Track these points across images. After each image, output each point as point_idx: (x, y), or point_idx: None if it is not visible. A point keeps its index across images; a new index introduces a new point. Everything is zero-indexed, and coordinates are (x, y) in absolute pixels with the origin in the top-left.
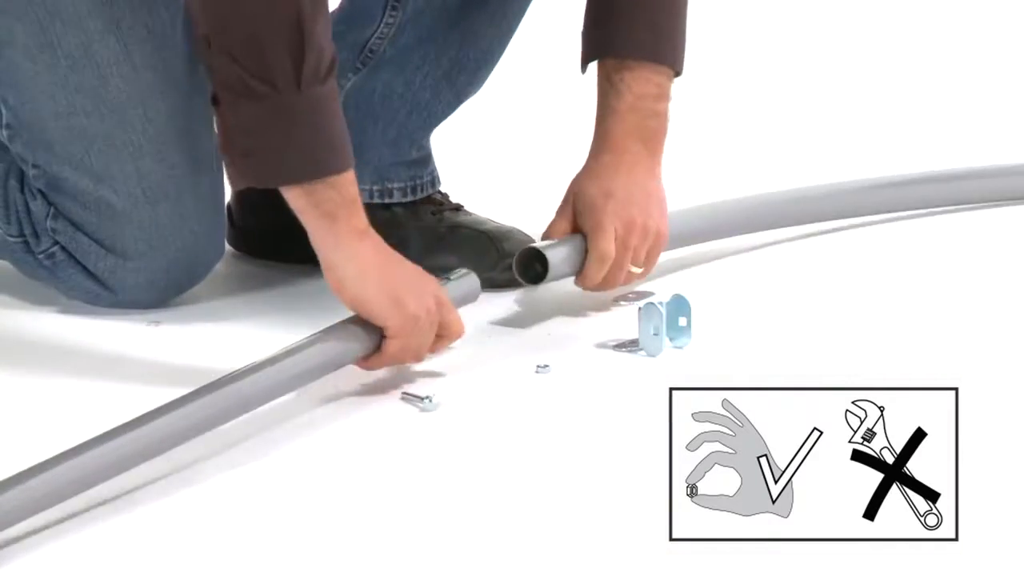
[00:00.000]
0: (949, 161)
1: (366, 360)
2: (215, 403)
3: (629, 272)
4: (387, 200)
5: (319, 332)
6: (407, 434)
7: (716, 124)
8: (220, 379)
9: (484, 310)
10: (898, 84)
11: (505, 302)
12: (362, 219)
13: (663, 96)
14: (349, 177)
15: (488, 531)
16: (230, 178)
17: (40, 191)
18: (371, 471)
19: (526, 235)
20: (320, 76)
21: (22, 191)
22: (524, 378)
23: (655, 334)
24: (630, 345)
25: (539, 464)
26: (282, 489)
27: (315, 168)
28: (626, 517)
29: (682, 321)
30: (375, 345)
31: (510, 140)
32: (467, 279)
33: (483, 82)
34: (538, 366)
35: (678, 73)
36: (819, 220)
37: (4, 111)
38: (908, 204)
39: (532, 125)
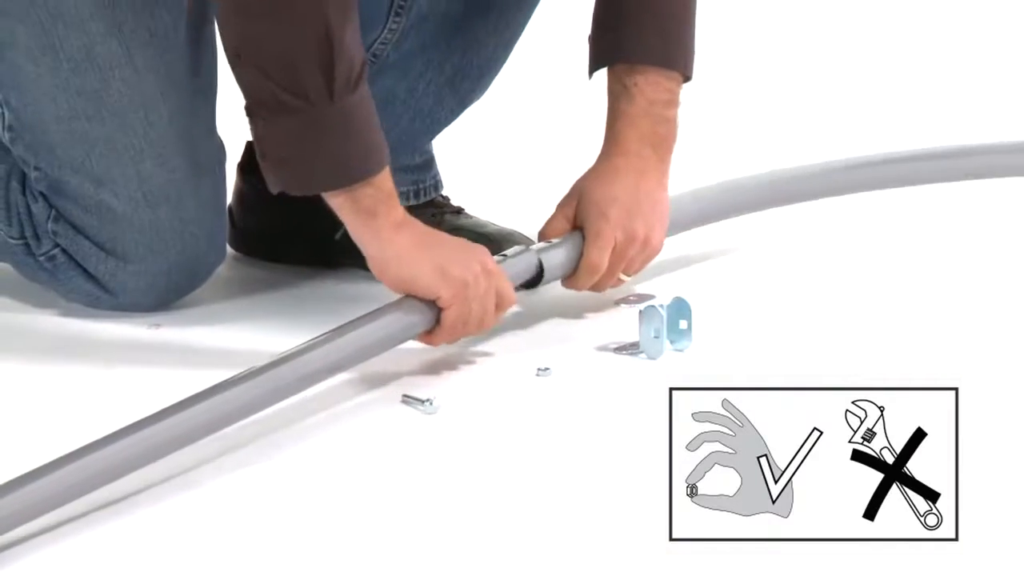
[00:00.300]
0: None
1: (428, 335)
2: (272, 381)
3: (618, 278)
4: None
5: (377, 308)
6: (408, 437)
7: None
8: (278, 358)
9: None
10: (884, 76)
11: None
12: (399, 211)
13: (673, 102)
14: (385, 173)
15: (489, 532)
16: (267, 183)
17: (41, 193)
18: (372, 474)
19: (527, 237)
20: (351, 85)
21: (24, 193)
22: (525, 381)
23: (656, 337)
24: (630, 348)
25: (539, 465)
26: (283, 493)
27: (351, 174)
28: (626, 517)
29: (682, 324)
30: (435, 318)
31: (511, 143)
32: (524, 256)
33: (486, 89)
34: (539, 369)
35: (687, 78)
36: (813, 198)
37: (6, 113)
38: (898, 180)
39: (533, 128)
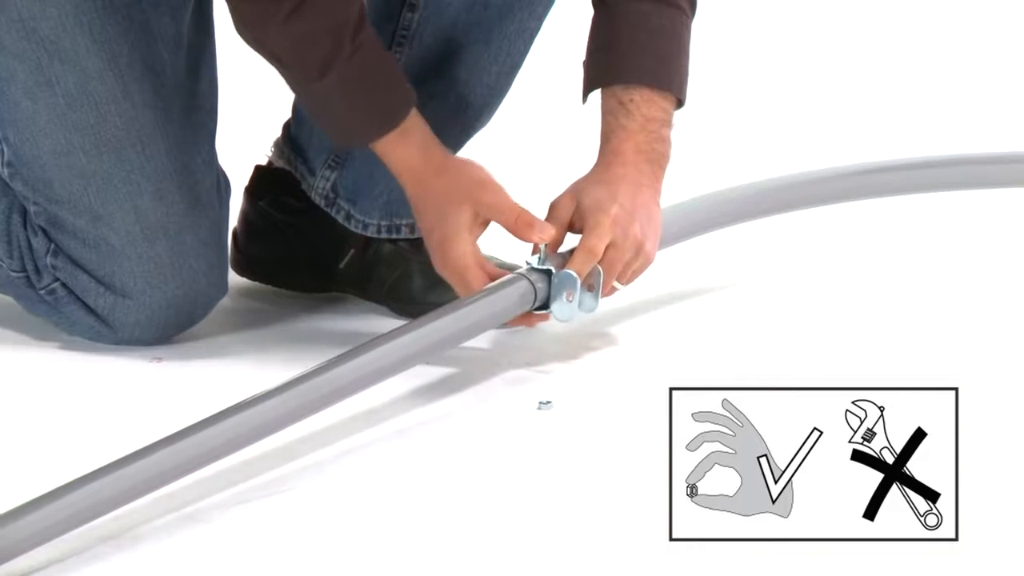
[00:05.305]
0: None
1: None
2: (412, 343)
3: (611, 287)
4: (395, 236)
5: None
6: (412, 468)
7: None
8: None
9: (483, 344)
10: (870, 88)
11: (505, 336)
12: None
13: (668, 122)
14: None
15: (489, 529)
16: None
17: (41, 228)
18: (377, 506)
19: None
20: (313, 73)
21: (25, 227)
22: (526, 414)
23: (570, 301)
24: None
25: (539, 463)
26: (286, 527)
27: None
28: (626, 517)
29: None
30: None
31: (512, 170)
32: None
33: (490, 118)
34: (540, 402)
35: (681, 103)
36: (809, 206)
37: (5, 149)
38: (888, 190)
39: (534, 154)
